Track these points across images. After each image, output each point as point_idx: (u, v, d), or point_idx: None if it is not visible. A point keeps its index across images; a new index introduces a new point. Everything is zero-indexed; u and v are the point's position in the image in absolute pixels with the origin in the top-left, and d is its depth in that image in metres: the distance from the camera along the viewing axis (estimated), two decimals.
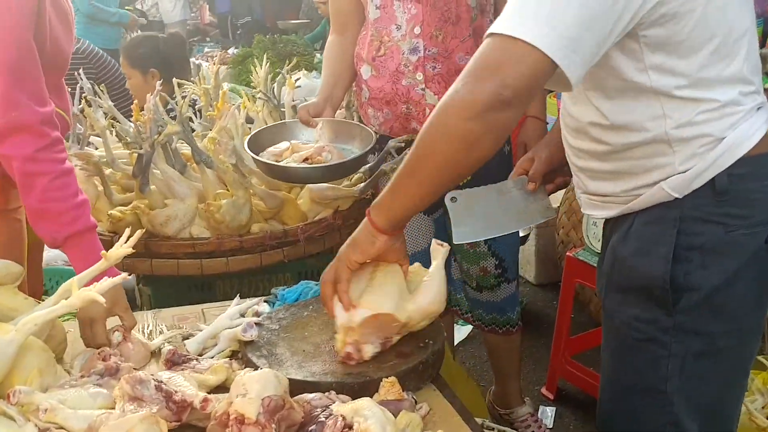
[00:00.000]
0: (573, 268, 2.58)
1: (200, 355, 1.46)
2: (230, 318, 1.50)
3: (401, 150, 2.14)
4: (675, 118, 1.23)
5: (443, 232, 2.33)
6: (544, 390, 2.76)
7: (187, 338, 1.55)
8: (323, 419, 1.15)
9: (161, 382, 1.20)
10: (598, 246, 2.45)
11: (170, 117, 3.30)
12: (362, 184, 2.19)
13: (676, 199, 1.26)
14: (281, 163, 1.99)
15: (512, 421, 2.46)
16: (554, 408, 2.66)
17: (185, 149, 2.24)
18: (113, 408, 1.16)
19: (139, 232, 1.33)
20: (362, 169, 2.25)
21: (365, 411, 1.14)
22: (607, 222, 1.43)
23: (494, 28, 1.13)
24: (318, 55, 6.83)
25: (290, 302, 1.62)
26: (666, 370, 1.31)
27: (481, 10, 2.07)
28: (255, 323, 1.45)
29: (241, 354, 1.42)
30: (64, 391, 1.17)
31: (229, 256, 2.08)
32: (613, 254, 1.36)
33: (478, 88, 1.11)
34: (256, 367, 1.32)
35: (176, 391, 1.19)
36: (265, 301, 1.64)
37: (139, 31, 5.84)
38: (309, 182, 2.18)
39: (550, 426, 2.55)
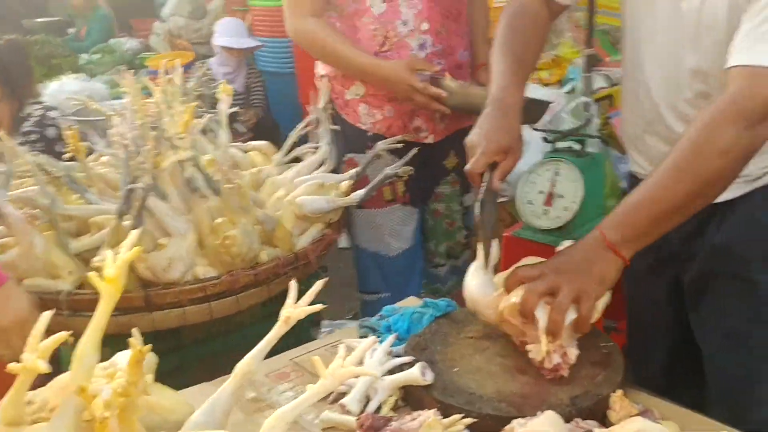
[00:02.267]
0: None
1: (361, 412, 1.24)
2: (380, 364, 1.30)
3: (401, 153, 2.01)
4: None
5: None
6: None
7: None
8: None
9: None
10: None
11: (27, 140, 2.75)
12: (362, 191, 1.99)
13: None
14: None
15: None
16: None
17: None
18: None
19: (320, 283, 1.08)
20: (350, 174, 2.08)
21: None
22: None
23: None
24: (84, 56, 6.09)
25: (404, 333, 1.44)
26: None
27: (470, 3, 2.02)
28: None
29: (420, 402, 1.23)
30: None
31: (240, 292, 1.78)
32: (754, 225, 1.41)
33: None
34: (466, 414, 1.16)
35: None
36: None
37: None
38: None
39: None
